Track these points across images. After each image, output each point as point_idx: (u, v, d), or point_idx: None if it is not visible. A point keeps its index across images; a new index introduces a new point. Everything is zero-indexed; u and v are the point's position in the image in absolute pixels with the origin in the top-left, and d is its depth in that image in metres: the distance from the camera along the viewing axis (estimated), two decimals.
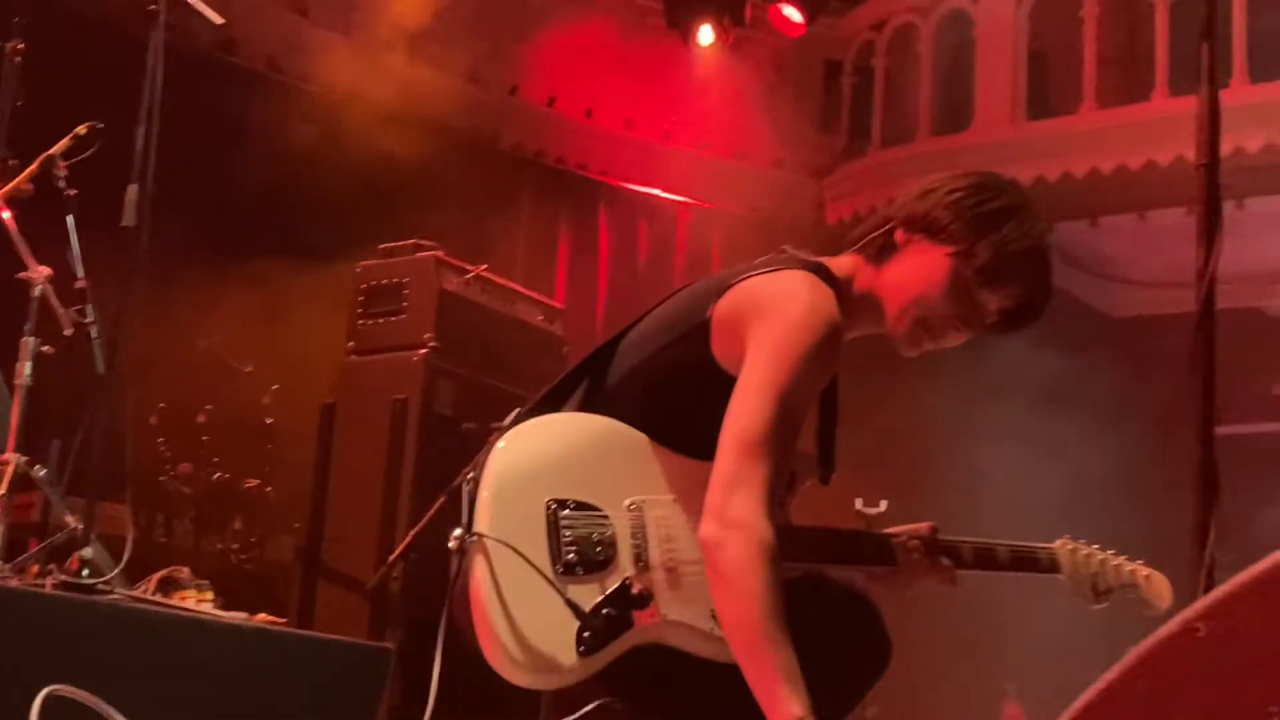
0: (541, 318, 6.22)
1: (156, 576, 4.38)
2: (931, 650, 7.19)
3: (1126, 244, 9.49)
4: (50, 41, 4.73)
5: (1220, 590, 1.59)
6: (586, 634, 2.23)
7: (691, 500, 2.32)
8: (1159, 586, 2.75)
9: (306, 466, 5.64)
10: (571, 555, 2.26)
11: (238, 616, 4.00)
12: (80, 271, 4.21)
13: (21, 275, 4.21)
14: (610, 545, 2.29)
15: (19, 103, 4.46)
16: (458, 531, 2.28)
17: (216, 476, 7.03)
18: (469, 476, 2.33)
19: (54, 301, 4.17)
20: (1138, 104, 9.25)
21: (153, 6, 4.37)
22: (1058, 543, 2.76)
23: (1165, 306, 8.76)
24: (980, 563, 2.66)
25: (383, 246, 6.04)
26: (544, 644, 2.22)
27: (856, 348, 2.59)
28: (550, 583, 2.23)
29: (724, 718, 2.27)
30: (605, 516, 2.30)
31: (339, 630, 4.79)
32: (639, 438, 2.38)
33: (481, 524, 2.26)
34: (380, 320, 5.75)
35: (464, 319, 5.76)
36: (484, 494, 2.28)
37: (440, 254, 5.87)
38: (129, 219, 4.15)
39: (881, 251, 2.54)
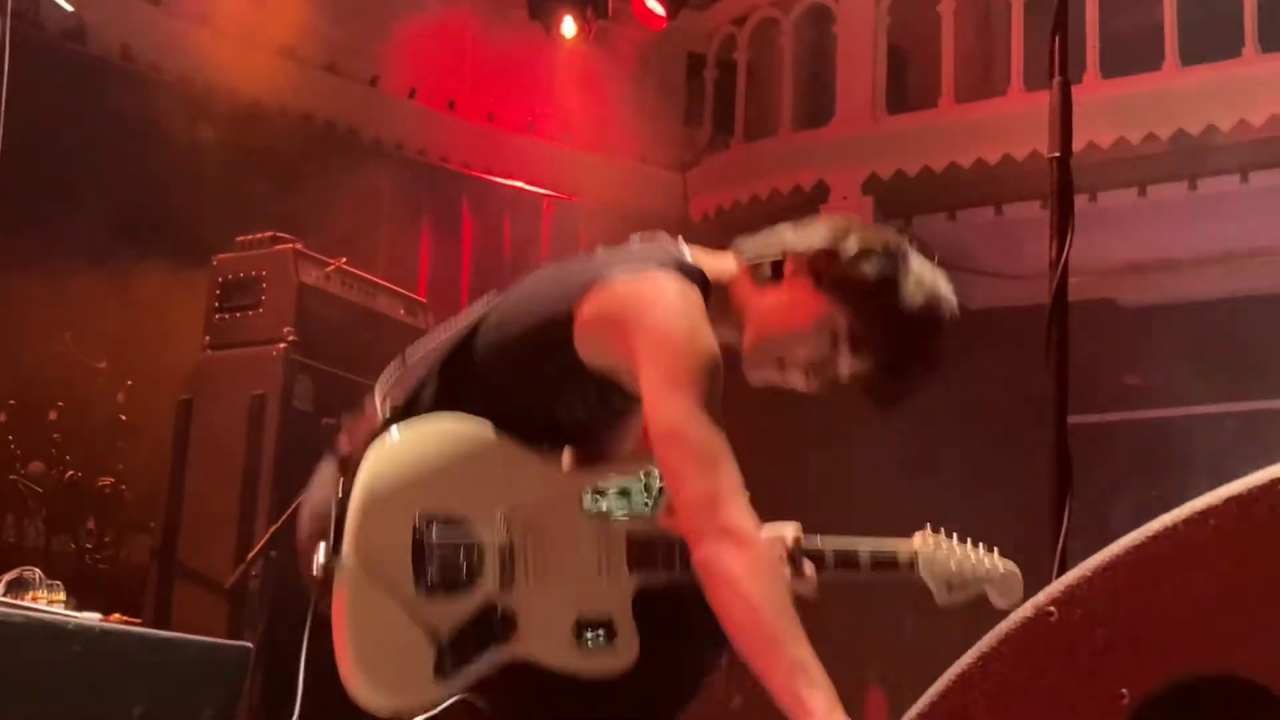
0: (403, 311, 6.17)
1: (5, 578, 4.27)
2: None
3: (984, 237, 9.64)
4: None
5: (1071, 574, 1.61)
6: (444, 658, 2.22)
7: (558, 506, 2.33)
8: (1009, 584, 2.81)
9: (163, 464, 5.54)
10: (435, 575, 2.23)
11: (91, 617, 3.91)
12: None
13: None
14: (477, 562, 2.26)
15: None
16: (321, 558, 2.23)
17: (69, 475, 6.87)
18: (338, 493, 2.28)
19: None
20: (994, 99, 9.40)
21: None
22: (916, 537, 2.81)
23: (1021, 299, 8.90)
24: (842, 567, 2.67)
25: (240, 239, 5.94)
26: (402, 669, 2.20)
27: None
28: (408, 608, 2.19)
29: None
30: (474, 531, 2.27)
31: (197, 631, 4.70)
32: (505, 443, 2.34)
33: (347, 545, 2.21)
34: (237, 314, 5.67)
35: (324, 313, 5.69)
36: (351, 513, 2.23)
37: (299, 246, 5.79)
38: None
39: (767, 274, 2.53)
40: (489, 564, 2.27)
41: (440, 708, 2.25)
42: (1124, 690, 1.56)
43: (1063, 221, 2.68)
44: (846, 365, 2.46)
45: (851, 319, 2.44)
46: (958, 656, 1.67)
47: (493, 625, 2.25)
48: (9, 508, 6.74)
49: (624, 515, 2.39)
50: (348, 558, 2.21)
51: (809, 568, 2.63)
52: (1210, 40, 8.67)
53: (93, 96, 7.47)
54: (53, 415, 6.93)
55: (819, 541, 2.69)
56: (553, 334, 2.40)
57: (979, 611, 2.42)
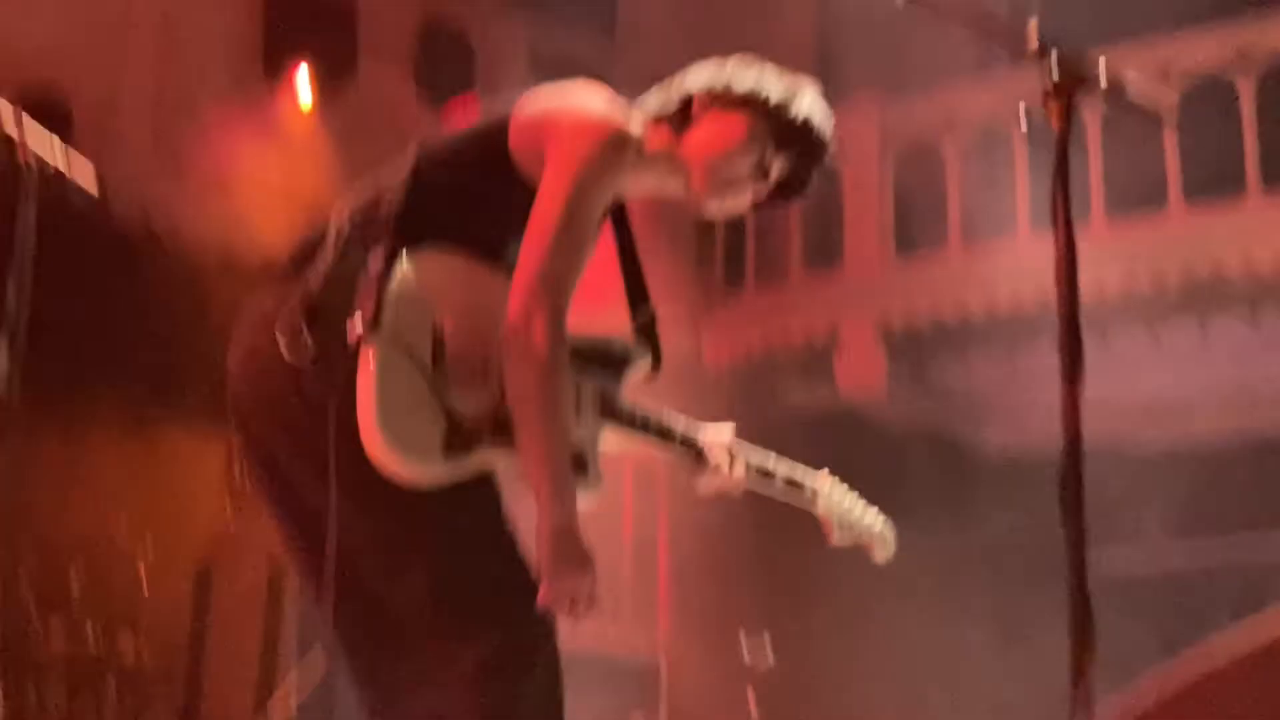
0: None
1: None
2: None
3: (996, 381, 9.65)
4: None
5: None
6: (454, 437, 2.42)
7: None
8: (886, 539, 3.24)
9: (183, 630, 5.52)
10: (453, 367, 2.44)
11: None
12: None
13: None
14: (485, 370, 2.48)
15: None
16: (359, 327, 2.40)
17: (88, 644, 6.83)
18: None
19: None
20: (1002, 240, 9.47)
21: (25, 164, 4.34)
22: (822, 474, 3.16)
23: (1035, 443, 8.90)
24: (761, 480, 3.02)
25: None
26: (417, 434, 2.39)
27: None
28: (430, 384, 2.40)
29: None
30: (486, 344, 2.49)
31: None
32: (497, 280, 2.53)
33: (372, 323, 2.39)
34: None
35: None
36: (388, 297, 2.41)
37: None
38: None
39: (680, 120, 2.76)
40: (493, 375, 2.48)
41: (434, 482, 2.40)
42: None
43: (1073, 367, 2.70)
44: (777, 166, 2.76)
45: (766, 121, 2.74)
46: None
47: (497, 425, 2.45)
48: (30, 676, 6.70)
49: (598, 373, 2.72)
50: (385, 327, 2.39)
51: (739, 467, 2.97)
52: (1214, 179, 8.77)
53: (118, 265, 7.59)
54: (72, 578, 6.92)
55: (749, 451, 3.01)
56: (491, 139, 2.63)
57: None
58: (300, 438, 2.49)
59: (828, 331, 9.87)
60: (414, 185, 2.61)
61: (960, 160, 9.72)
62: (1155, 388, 9.33)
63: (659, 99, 2.80)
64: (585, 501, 2.55)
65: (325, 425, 2.40)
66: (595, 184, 2.54)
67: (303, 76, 8.97)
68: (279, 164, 8.52)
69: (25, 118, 4.18)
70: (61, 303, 5.28)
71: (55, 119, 7.32)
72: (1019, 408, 9.54)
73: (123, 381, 7.41)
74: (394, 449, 2.37)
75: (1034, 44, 2.40)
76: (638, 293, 2.98)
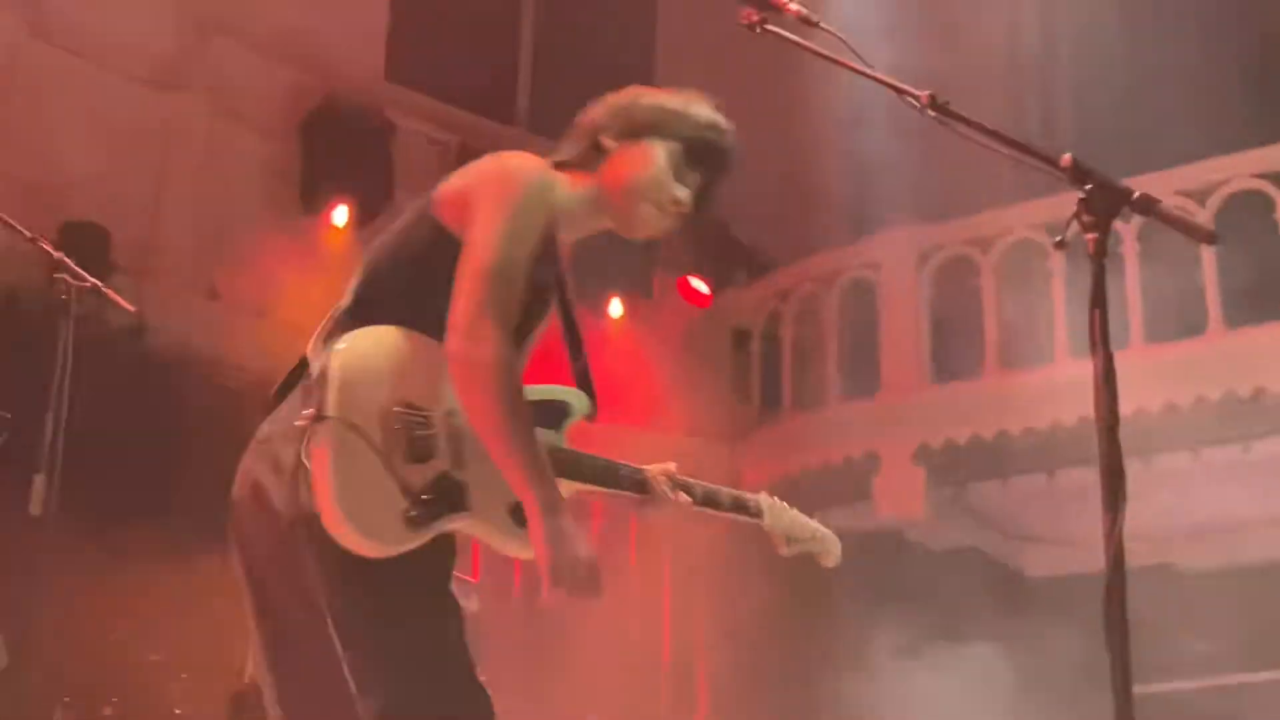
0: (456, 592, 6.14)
1: None
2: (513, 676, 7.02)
3: (1038, 504, 9.58)
4: None
5: None
6: (414, 510, 2.50)
7: None
8: (831, 545, 3.41)
9: None
10: (403, 444, 2.52)
11: None
12: None
13: None
14: (432, 442, 2.57)
15: None
16: (308, 411, 2.54)
17: None
18: (311, 371, 2.64)
19: None
20: (1041, 366, 9.44)
21: (65, 296, 4.39)
22: (763, 494, 3.29)
23: (1079, 566, 8.80)
24: (708, 502, 3.14)
25: None
26: (377, 511, 2.48)
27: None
28: (383, 461, 2.50)
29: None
30: (429, 418, 2.58)
31: None
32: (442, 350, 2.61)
33: (330, 404, 2.52)
34: None
35: None
36: (331, 383, 2.54)
37: None
38: (35, 508, 4.10)
39: (593, 160, 2.91)
40: (444, 445, 2.58)
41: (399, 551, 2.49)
42: None
43: (1114, 493, 2.67)
44: (692, 180, 2.90)
45: (673, 142, 2.89)
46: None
47: (453, 493, 2.57)
48: None
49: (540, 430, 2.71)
50: (332, 411, 2.51)
51: (683, 496, 3.08)
52: (1253, 300, 8.75)
53: (156, 389, 7.64)
54: (108, 710, 6.88)
55: (692, 481, 3.13)
56: (421, 225, 2.77)
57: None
58: (275, 543, 2.62)
59: (866, 454, 9.83)
60: (363, 283, 2.77)
61: (997, 285, 9.73)
62: (1200, 509, 9.24)
63: (570, 147, 2.96)
64: (527, 553, 2.63)
65: (295, 528, 2.53)
66: (520, 221, 2.66)
67: (340, 207, 9.11)
68: (317, 290, 8.60)
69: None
70: (101, 429, 5.31)
71: (97, 247, 7.48)
72: (1061, 527, 9.46)
73: (161, 509, 7.42)
74: (354, 527, 2.47)
75: (1069, 172, 2.40)
76: (574, 344, 3.05)
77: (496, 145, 9.58)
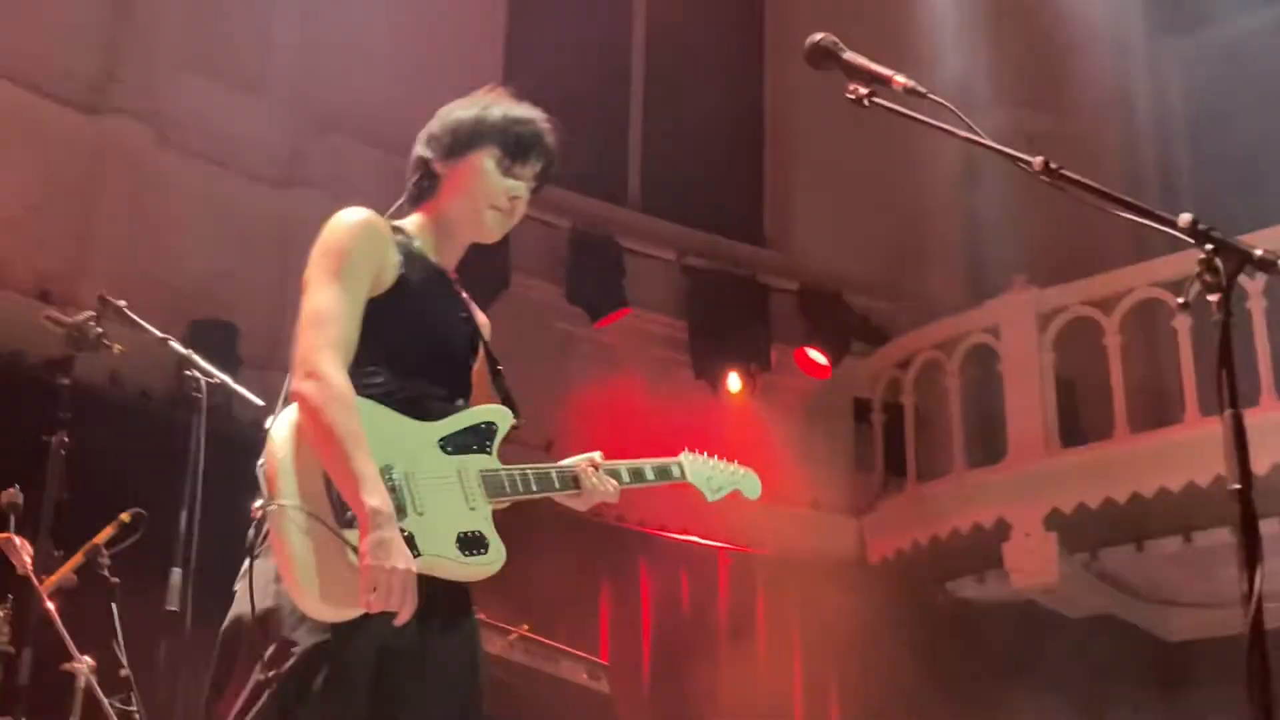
0: (586, 675, 6.16)
1: None
2: None
3: (1176, 567, 9.39)
4: (94, 431, 4.84)
5: None
6: None
7: (421, 455, 2.89)
8: (752, 481, 3.74)
9: None
10: (349, 513, 2.71)
11: None
12: (124, 660, 4.21)
13: (66, 666, 4.21)
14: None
15: (65, 495, 4.52)
16: (259, 503, 2.77)
17: None
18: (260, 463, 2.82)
19: (99, 692, 4.15)
20: (1172, 426, 9.28)
21: (196, 393, 4.49)
22: (682, 454, 3.56)
23: (1220, 628, 8.59)
24: (635, 479, 3.38)
25: None
26: (337, 579, 2.67)
27: None
28: (336, 534, 2.69)
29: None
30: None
31: None
32: (380, 411, 2.87)
33: (281, 489, 2.73)
34: None
35: (509, 682, 5.70)
36: (278, 469, 2.75)
37: (481, 617, 5.84)
38: (173, 604, 4.17)
39: (427, 188, 3.14)
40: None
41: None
42: None
43: (1250, 553, 2.62)
44: (521, 172, 3.16)
45: (487, 146, 3.12)
46: None
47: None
48: None
49: (473, 456, 3.00)
50: (284, 496, 2.71)
51: (611, 482, 3.27)
52: None
53: None
54: None
55: (617, 463, 3.34)
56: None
57: None
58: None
59: (995, 522, 9.69)
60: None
61: (1122, 345, 9.58)
62: None
63: (411, 187, 3.18)
64: (487, 574, 2.93)
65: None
66: (338, 263, 2.90)
67: None
68: None
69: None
70: (234, 523, 5.39)
71: (225, 343, 7.64)
72: (1201, 590, 9.25)
73: None
74: (318, 600, 2.67)
75: (1188, 232, 2.38)
76: (492, 364, 3.26)
77: (609, 226, 9.70)
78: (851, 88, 2.75)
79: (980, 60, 10.69)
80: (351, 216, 2.99)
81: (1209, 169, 10.93)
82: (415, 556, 2.74)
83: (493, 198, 3.13)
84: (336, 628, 2.70)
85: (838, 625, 9.74)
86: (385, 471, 2.78)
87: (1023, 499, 9.58)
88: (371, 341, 2.92)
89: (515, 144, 3.14)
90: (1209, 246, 2.34)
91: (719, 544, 10.20)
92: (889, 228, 11.04)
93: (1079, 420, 9.98)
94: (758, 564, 10.24)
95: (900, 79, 2.70)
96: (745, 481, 3.70)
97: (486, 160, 3.12)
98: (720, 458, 3.67)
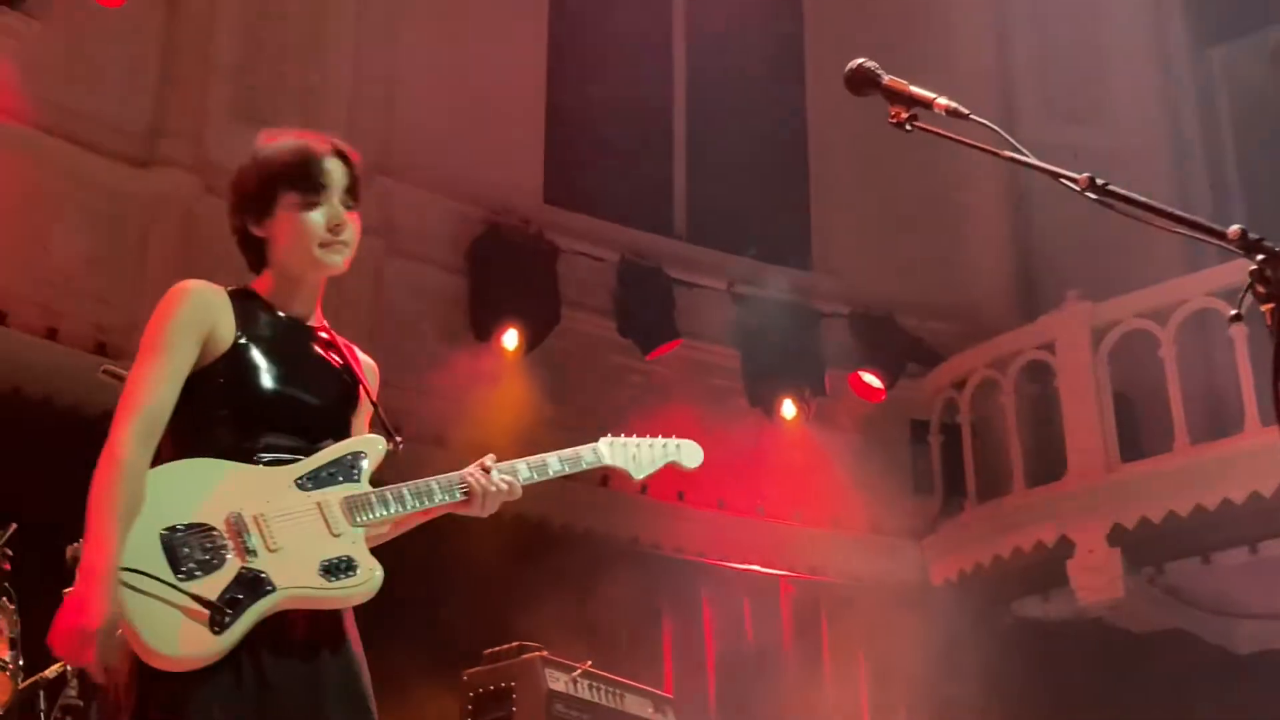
0: (652, 709, 6.14)
1: None
2: None
3: (1242, 578, 9.28)
4: None
5: None
6: (216, 615, 2.78)
7: (275, 497, 2.94)
8: (690, 450, 3.60)
9: None
10: (189, 564, 2.81)
11: None
12: None
13: None
14: (221, 549, 2.85)
15: None
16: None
17: None
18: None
19: None
20: (1233, 436, 9.18)
21: None
22: (601, 440, 3.49)
23: None
24: (539, 473, 3.29)
25: (488, 652, 6.02)
26: (183, 631, 2.76)
27: None
28: (174, 587, 2.78)
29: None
30: (213, 529, 2.87)
31: None
32: (220, 465, 2.95)
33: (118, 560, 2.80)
34: None
35: (574, 718, 5.69)
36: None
37: (545, 654, 5.85)
38: None
39: (259, 250, 3.18)
40: (230, 548, 2.85)
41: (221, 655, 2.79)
42: None
43: None
44: (331, 199, 3.13)
45: (291, 193, 3.11)
46: None
47: (253, 583, 2.84)
48: None
49: (337, 487, 3.02)
50: (119, 566, 2.78)
51: (503, 481, 3.21)
52: None
53: None
54: None
55: (515, 461, 3.29)
56: None
57: None
58: None
59: (1058, 540, 9.61)
60: None
61: (1179, 358, 9.50)
62: None
63: (246, 256, 3.22)
64: (362, 596, 2.96)
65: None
66: (155, 336, 3.01)
67: (510, 332, 9.26)
68: (493, 414, 8.74)
69: None
70: None
71: None
72: (1269, 601, 9.14)
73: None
74: (170, 655, 2.76)
75: (1238, 244, 2.35)
76: (368, 398, 3.31)
77: (657, 258, 9.69)
78: (893, 111, 2.74)
79: (1022, 75, 10.66)
80: (176, 290, 3.07)
81: (1259, 176, 10.84)
82: (270, 593, 2.84)
83: (315, 238, 3.13)
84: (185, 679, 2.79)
85: (903, 650, 9.68)
86: (231, 519, 2.88)
87: (1085, 515, 9.50)
88: (215, 402, 3.01)
89: (302, 178, 3.13)
90: (1260, 257, 2.32)
91: (780, 572, 10.16)
92: (938, 247, 10.99)
93: (1138, 434, 9.90)
94: (820, 591, 10.19)
95: (942, 101, 2.68)
96: (681, 452, 3.60)
97: (288, 208, 3.12)
98: (652, 436, 3.59)
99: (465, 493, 3.18)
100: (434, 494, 3.15)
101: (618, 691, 6.02)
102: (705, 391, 10.21)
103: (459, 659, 6.10)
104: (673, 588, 9.76)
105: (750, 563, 10.08)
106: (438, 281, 9.58)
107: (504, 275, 9.49)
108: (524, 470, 3.27)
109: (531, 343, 9.36)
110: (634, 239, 10.39)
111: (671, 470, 3.54)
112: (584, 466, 3.41)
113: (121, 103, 8.65)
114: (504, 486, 3.20)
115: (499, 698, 5.73)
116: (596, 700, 5.84)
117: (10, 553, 5.23)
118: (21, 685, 4.92)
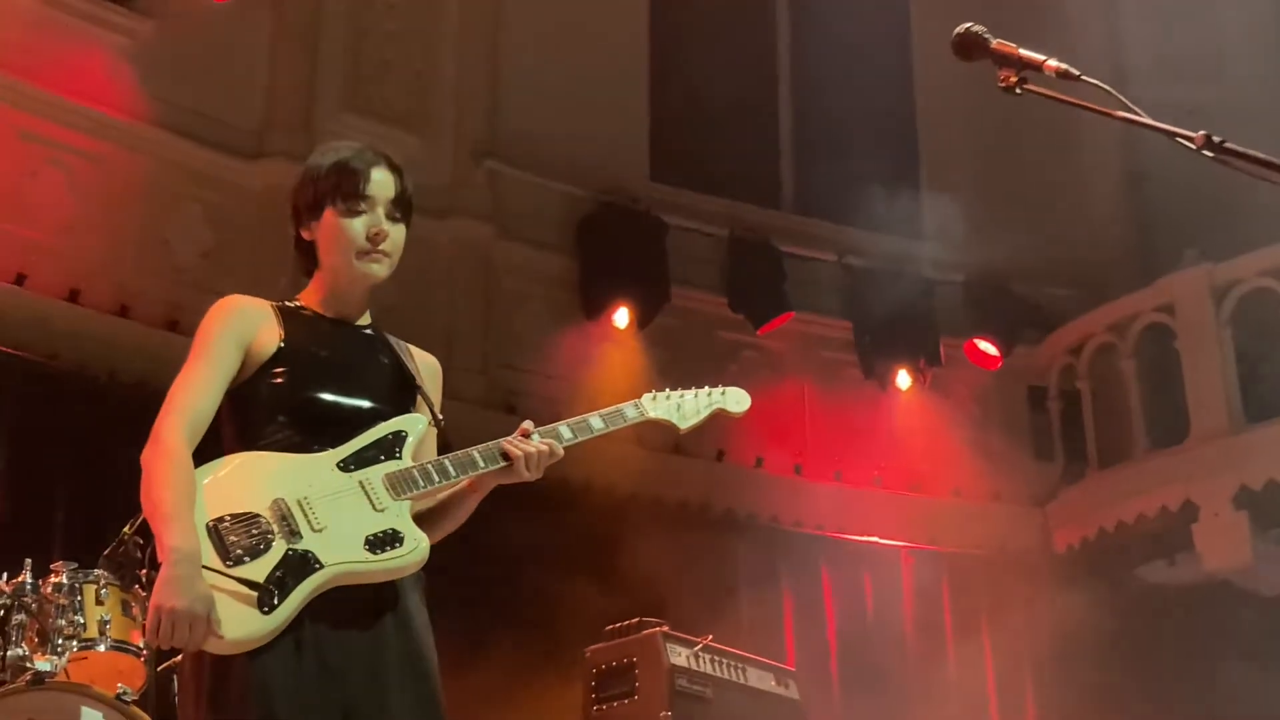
0: (774, 681, 6.14)
1: None
2: None
3: None
4: None
5: None
6: (265, 596, 2.88)
7: (317, 481, 3.03)
8: (736, 395, 3.51)
9: None
10: (237, 551, 2.91)
11: None
12: None
13: None
14: (267, 534, 2.95)
15: None
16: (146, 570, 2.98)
17: None
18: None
19: None
20: None
21: None
22: (644, 395, 3.44)
23: None
24: (580, 434, 3.29)
25: (609, 628, 6.06)
26: (234, 613, 2.85)
27: None
28: (222, 574, 2.88)
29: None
30: (258, 516, 2.97)
31: None
32: (261, 456, 3.06)
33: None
34: (614, 704, 5.73)
35: (697, 692, 5.71)
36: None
37: (666, 628, 5.87)
38: None
39: (311, 255, 3.27)
40: (276, 532, 2.94)
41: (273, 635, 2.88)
42: None
43: None
44: (373, 203, 3.20)
45: (333, 201, 3.19)
46: None
47: (300, 562, 2.93)
48: None
49: (379, 465, 3.09)
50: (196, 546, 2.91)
51: (545, 444, 3.21)
52: None
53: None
54: None
55: (557, 424, 3.29)
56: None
57: None
58: None
59: (1182, 504, 9.46)
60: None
61: None
62: None
63: (297, 259, 3.32)
64: (411, 566, 3.03)
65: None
66: (198, 344, 3.14)
67: (621, 310, 9.29)
68: (605, 392, 8.77)
69: None
70: None
71: None
72: None
73: (473, 614, 7.58)
74: (224, 635, 2.84)
75: None
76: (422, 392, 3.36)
77: (765, 231, 9.66)
78: (1003, 75, 2.71)
79: (1133, 33, 10.47)
80: (219, 303, 3.22)
81: None
82: (318, 570, 2.93)
83: (354, 245, 3.20)
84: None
85: (1027, 618, 9.59)
86: (275, 504, 2.97)
87: (1209, 478, 9.34)
88: (265, 404, 3.12)
89: (346, 185, 3.19)
90: None
91: (901, 543, 10.10)
92: (1051, 211, 10.84)
93: (1262, 394, 9.70)
94: (942, 561, 10.12)
95: (1052, 63, 2.65)
96: (727, 398, 3.52)
97: (331, 214, 3.21)
98: (696, 389, 3.51)
99: (505, 456, 3.20)
100: (475, 463, 3.18)
101: (739, 665, 6.02)
102: (819, 364, 10.18)
103: (583, 638, 6.14)
104: (792, 561, 9.75)
105: (870, 535, 10.04)
106: (547, 263, 9.63)
107: (613, 254, 9.52)
108: (565, 431, 3.28)
109: (642, 321, 9.38)
110: (742, 213, 10.36)
111: (721, 417, 3.49)
112: (626, 422, 3.38)
113: (231, 97, 8.80)
114: (544, 449, 3.21)
115: (621, 674, 5.76)
116: (718, 674, 5.85)
117: (141, 541, 5.35)
118: (158, 670, 5.03)
